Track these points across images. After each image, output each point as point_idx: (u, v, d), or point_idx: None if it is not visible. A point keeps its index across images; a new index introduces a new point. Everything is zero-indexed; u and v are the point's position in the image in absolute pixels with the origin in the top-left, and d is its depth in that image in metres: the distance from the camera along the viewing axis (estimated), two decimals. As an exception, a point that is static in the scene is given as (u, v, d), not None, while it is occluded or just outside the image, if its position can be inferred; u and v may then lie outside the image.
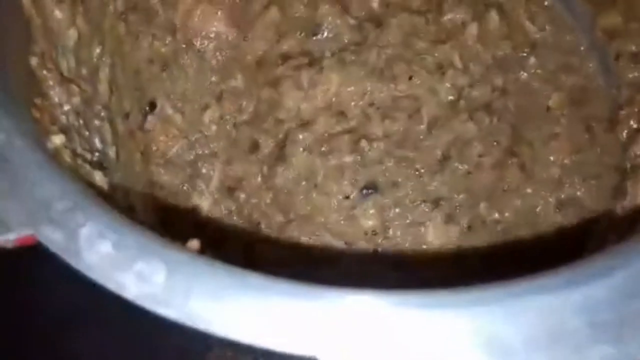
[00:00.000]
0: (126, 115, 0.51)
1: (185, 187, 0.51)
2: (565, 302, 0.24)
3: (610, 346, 0.24)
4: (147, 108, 0.53)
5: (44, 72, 0.40)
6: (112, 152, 0.47)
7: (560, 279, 0.25)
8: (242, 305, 0.26)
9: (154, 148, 0.52)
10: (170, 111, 0.53)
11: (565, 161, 0.49)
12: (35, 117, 0.35)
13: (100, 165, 0.39)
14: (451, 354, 0.24)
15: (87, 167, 0.36)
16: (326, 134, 0.50)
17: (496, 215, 0.48)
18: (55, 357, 0.46)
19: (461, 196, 0.48)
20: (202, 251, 0.29)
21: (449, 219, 0.47)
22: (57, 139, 0.34)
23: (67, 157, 0.34)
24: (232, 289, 0.26)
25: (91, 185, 0.35)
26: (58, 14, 0.43)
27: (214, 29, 0.54)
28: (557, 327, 0.24)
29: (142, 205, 0.46)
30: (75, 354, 0.46)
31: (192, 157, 0.52)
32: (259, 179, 0.50)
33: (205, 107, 0.53)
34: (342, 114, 0.51)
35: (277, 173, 0.49)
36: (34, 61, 0.39)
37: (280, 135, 0.51)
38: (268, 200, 0.49)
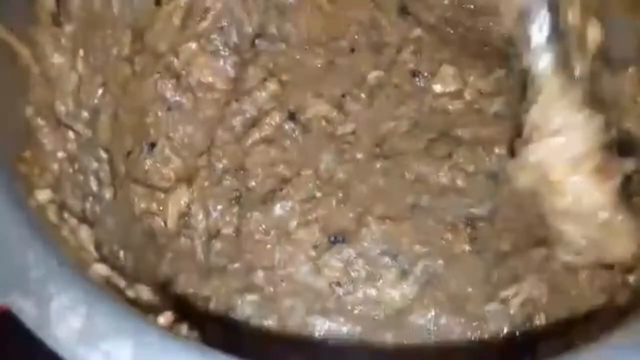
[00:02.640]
0: (128, 153, 0.51)
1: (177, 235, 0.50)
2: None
3: None
4: (146, 148, 0.53)
5: (39, 120, 0.39)
6: (108, 194, 0.46)
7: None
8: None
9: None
10: (168, 152, 0.53)
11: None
12: (22, 172, 0.35)
13: (87, 220, 0.39)
14: None
15: (74, 221, 0.36)
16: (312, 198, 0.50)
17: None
18: None
19: (419, 249, 0.47)
20: (172, 325, 0.29)
21: (403, 274, 0.47)
22: (43, 195, 0.34)
23: (51, 213, 0.34)
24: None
25: (76, 245, 0.35)
26: (58, 58, 0.42)
27: (210, 79, 0.54)
28: None
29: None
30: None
31: (183, 202, 0.51)
32: (231, 228, 0.50)
33: (201, 154, 0.53)
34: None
35: (253, 219, 0.49)
36: (29, 111, 0.39)
37: (265, 190, 0.51)
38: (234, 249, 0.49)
